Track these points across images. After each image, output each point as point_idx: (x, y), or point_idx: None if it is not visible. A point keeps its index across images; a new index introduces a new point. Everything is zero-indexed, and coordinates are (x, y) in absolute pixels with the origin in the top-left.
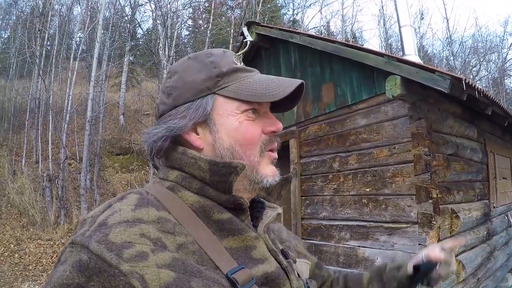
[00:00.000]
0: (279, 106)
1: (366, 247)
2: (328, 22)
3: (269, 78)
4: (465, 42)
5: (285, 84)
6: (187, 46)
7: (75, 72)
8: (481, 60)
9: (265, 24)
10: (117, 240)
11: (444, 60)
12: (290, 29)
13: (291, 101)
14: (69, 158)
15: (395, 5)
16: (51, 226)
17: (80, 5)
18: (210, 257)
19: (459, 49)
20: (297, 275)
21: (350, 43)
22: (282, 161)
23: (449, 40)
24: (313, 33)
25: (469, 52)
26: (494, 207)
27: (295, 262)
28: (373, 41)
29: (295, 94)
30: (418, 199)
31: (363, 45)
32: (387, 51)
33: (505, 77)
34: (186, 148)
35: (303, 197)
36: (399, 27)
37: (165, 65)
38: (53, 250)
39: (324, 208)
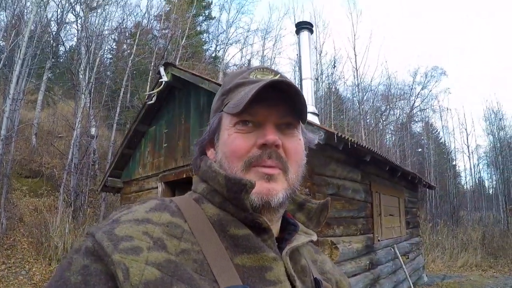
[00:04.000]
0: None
1: None
2: (249, 60)
3: (254, 86)
4: (374, 89)
5: (252, 90)
6: (107, 70)
7: None
8: (390, 105)
9: (180, 67)
10: (120, 233)
11: (357, 104)
12: (200, 75)
13: (290, 105)
14: None
15: (299, 60)
16: None
17: (5, 11)
18: (212, 270)
19: (368, 95)
20: None
21: None
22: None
23: (357, 87)
24: (219, 82)
25: (380, 98)
26: (378, 240)
27: None
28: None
29: (293, 96)
30: None
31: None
32: None
33: (412, 122)
34: (212, 162)
35: None
36: (300, 79)
37: (83, 88)
38: None
39: None
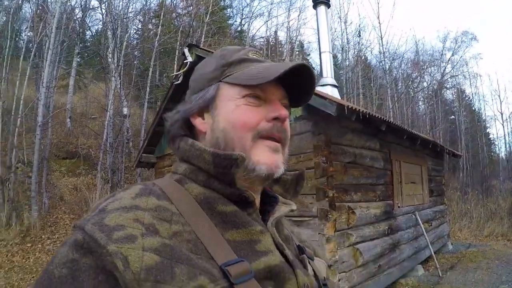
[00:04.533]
0: (298, 99)
1: None
2: (275, 32)
3: (274, 63)
4: (400, 56)
5: (280, 67)
6: (135, 51)
7: (27, 73)
8: (420, 72)
9: (203, 48)
10: (111, 223)
11: (388, 71)
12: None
13: (303, 90)
14: (17, 161)
15: (318, 33)
16: (3, 227)
17: (30, 3)
18: (206, 248)
19: (396, 63)
20: (309, 272)
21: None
22: None
23: (383, 55)
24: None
25: (409, 65)
26: (398, 206)
27: (312, 259)
28: (314, 54)
29: (304, 81)
30: (317, 198)
31: (307, 57)
32: None
33: (443, 89)
34: (194, 141)
35: None
36: (320, 52)
37: (113, 70)
38: (6, 249)
39: None
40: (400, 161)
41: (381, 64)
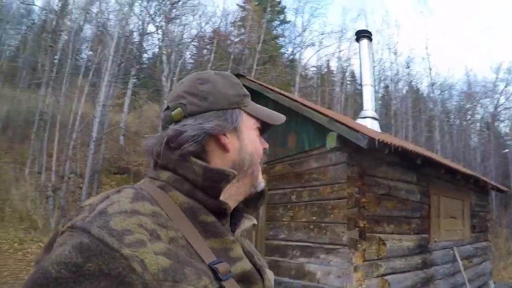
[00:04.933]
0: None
1: (310, 263)
2: (328, 61)
3: (265, 108)
4: (450, 88)
5: (280, 115)
6: (190, 74)
7: (85, 90)
8: (475, 104)
9: (249, 78)
10: (118, 227)
11: (438, 103)
12: (267, 85)
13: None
14: (70, 172)
15: (360, 66)
16: (52, 231)
17: (90, 24)
18: (196, 251)
19: (446, 95)
20: (269, 279)
21: (306, 103)
22: None
23: (432, 87)
24: (283, 92)
25: (462, 97)
26: (435, 241)
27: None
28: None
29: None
30: (348, 227)
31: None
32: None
33: (496, 122)
34: (183, 153)
35: (268, 222)
36: (361, 85)
37: (166, 92)
38: None
39: (282, 231)
40: (439, 195)
41: (430, 96)
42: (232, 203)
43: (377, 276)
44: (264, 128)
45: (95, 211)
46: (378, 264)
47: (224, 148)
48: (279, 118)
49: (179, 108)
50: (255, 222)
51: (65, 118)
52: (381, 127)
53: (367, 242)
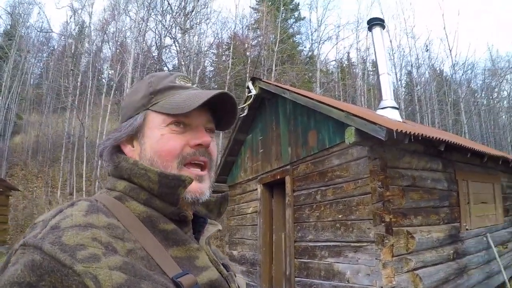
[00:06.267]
0: (223, 123)
1: (339, 263)
2: (348, 54)
3: (196, 92)
4: (473, 67)
5: (201, 96)
6: (210, 84)
7: (108, 108)
8: (500, 80)
9: (265, 80)
10: (70, 242)
11: (465, 83)
12: (282, 85)
13: (229, 115)
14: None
15: (375, 55)
16: None
17: (109, 44)
18: (157, 263)
19: (471, 74)
20: (237, 286)
21: (323, 99)
22: (279, 193)
23: (453, 68)
24: (299, 92)
25: (487, 74)
26: (466, 229)
27: (235, 275)
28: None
29: (229, 108)
30: (374, 223)
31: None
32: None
33: None
34: (137, 160)
35: (295, 224)
36: (378, 75)
37: None
38: None
39: (310, 232)
40: (467, 181)
41: (452, 77)
42: (189, 209)
43: (407, 271)
44: (218, 120)
45: (47, 226)
46: (407, 258)
47: (128, 157)
48: (191, 103)
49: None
50: (220, 227)
51: (92, 138)
52: (407, 114)
53: (394, 237)
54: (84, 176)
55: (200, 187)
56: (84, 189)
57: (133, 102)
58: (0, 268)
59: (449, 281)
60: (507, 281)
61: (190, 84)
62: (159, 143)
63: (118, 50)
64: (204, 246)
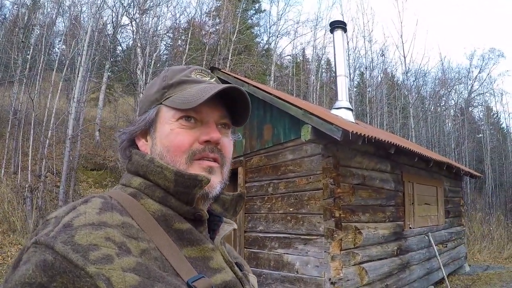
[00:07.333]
0: (239, 118)
1: (289, 254)
2: (303, 50)
3: (206, 86)
4: (424, 75)
5: (209, 90)
6: (164, 67)
7: (59, 86)
8: (449, 90)
9: (224, 71)
10: (83, 242)
11: (415, 89)
12: (241, 78)
13: (242, 110)
14: (47, 171)
15: (334, 57)
16: (30, 233)
17: (63, 17)
18: (171, 264)
19: (421, 81)
20: (251, 286)
21: (281, 95)
22: (231, 183)
23: (406, 75)
24: (257, 85)
25: (436, 83)
26: (410, 228)
27: (249, 274)
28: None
29: (241, 104)
30: (324, 217)
31: (331, 78)
32: (352, 81)
33: (470, 107)
34: (153, 157)
35: (246, 214)
36: (335, 76)
37: (142, 85)
38: None
39: (260, 223)
40: (413, 183)
41: (403, 83)
42: (203, 208)
43: (354, 264)
44: (234, 116)
45: (60, 224)
46: (354, 252)
47: (141, 151)
48: (198, 98)
49: None
50: (235, 226)
51: (39, 116)
52: (357, 114)
53: (343, 232)
54: (30, 155)
55: (211, 180)
56: (29, 168)
57: (149, 96)
58: (12, 265)
59: (392, 275)
60: (445, 277)
61: (208, 78)
62: (168, 137)
63: (73, 24)
64: (219, 246)
